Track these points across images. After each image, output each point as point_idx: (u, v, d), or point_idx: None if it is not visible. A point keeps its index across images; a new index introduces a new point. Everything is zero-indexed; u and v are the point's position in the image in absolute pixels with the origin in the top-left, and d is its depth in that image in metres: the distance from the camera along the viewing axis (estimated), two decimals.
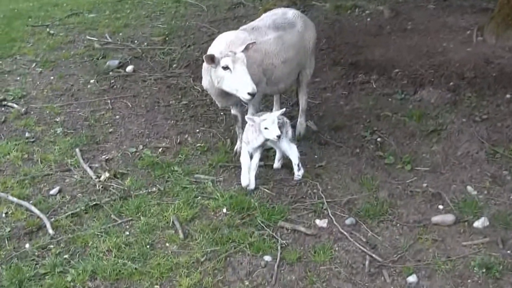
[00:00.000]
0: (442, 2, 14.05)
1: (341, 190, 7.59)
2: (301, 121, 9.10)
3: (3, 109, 10.36)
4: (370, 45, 11.94)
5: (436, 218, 6.98)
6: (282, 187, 7.66)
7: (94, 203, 7.55)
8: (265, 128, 7.23)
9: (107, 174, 8.08)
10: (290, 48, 8.23)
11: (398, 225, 6.98)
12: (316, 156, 8.36)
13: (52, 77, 11.51)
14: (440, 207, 7.27)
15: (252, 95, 7.16)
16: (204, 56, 7.31)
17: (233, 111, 8.32)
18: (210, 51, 7.66)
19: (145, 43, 12.94)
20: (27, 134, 9.42)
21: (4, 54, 12.75)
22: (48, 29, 14.24)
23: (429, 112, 9.21)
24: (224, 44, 7.69)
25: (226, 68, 7.20)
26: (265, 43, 7.97)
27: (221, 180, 7.91)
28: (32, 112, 10.13)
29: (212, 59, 7.25)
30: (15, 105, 10.32)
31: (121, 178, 8.09)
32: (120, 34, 13.66)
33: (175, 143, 8.89)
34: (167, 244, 6.80)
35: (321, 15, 13.81)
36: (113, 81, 11.20)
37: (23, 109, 10.14)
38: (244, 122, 7.82)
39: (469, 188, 7.49)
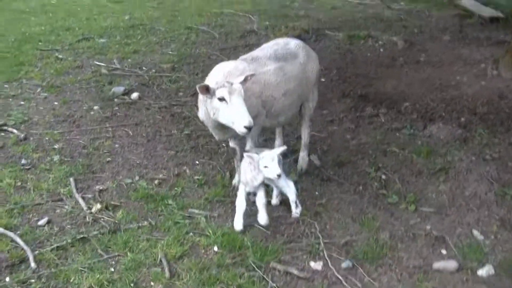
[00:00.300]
0: (458, 33, 13.72)
1: (340, 230, 7.21)
2: (303, 155, 8.76)
3: (2, 134, 10.05)
4: (381, 76, 11.61)
5: (437, 264, 6.59)
6: (278, 225, 7.29)
7: (82, 236, 7.19)
8: (265, 167, 6.89)
9: (98, 206, 7.76)
10: (291, 80, 7.87)
11: (397, 270, 6.59)
12: (317, 193, 8.00)
13: (56, 103, 11.18)
14: (443, 251, 6.88)
15: (248, 128, 6.79)
16: (198, 86, 6.96)
17: (231, 144, 8.00)
18: (207, 81, 7.36)
19: (153, 70, 12.64)
20: (23, 161, 9.09)
21: (11, 78, 12.46)
22: (57, 54, 13.86)
23: (437, 149, 8.83)
24: (222, 74, 7.37)
25: (222, 99, 6.87)
26: (265, 74, 7.62)
27: (215, 215, 7.58)
28: (31, 138, 9.80)
29: (207, 89, 6.92)
30: (15, 131, 10.00)
31: (113, 210, 7.75)
32: (129, 60, 13.36)
33: (172, 174, 8.54)
34: (152, 283, 6.46)
35: (333, 45, 13.51)
36: (116, 108, 10.85)
37: (22, 135, 9.83)
38: (242, 157, 7.44)
39: (475, 232, 7.10)
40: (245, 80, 7.01)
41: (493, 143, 8.95)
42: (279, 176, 6.87)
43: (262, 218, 7.15)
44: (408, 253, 6.87)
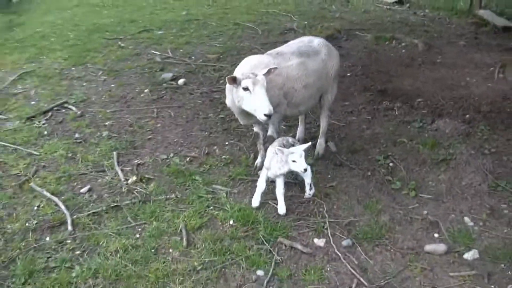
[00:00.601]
0: (473, 39, 13.15)
1: (345, 211, 6.88)
2: (320, 142, 8.41)
3: (63, 110, 9.99)
4: (400, 74, 11.15)
5: (428, 247, 6.21)
6: (291, 204, 6.98)
7: (115, 204, 7.08)
8: (293, 161, 6.54)
9: (134, 178, 7.58)
10: (312, 74, 7.55)
11: (392, 250, 6.24)
12: (329, 176, 7.66)
13: (112, 85, 11.02)
14: (436, 235, 6.50)
15: (268, 116, 6.57)
16: (227, 77, 6.71)
17: (255, 129, 7.72)
18: (235, 72, 7.08)
19: (200, 60, 12.36)
20: (76, 135, 9.00)
21: (78, 62, 12.38)
22: (119, 42, 13.70)
23: (442, 141, 8.38)
24: (248, 67, 7.10)
25: (246, 89, 6.63)
26: (288, 68, 7.33)
27: (235, 192, 7.30)
28: (86, 115, 9.69)
29: (234, 80, 6.69)
30: (73, 108, 9.91)
31: (146, 182, 7.57)
32: (181, 50, 13.11)
33: (203, 153, 8.30)
34: (170, 250, 6.24)
35: (361, 45, 13.04)
36: (164, 92, 10.63)
37: (79, 112, 9.68)
38: (265, 140, 7.40)
39: (466, 218, 6.71)
40: (268, 72, 6.76)
41: (492, 139, 8.47)
42: (305, 170, 6.53)
43: (281, 208, 6.86)
44: (404, 235, 6.51)
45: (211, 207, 6.93)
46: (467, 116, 9.16)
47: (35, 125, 9.34)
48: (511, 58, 10.83)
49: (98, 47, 13.51)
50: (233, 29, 14.85)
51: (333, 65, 7.96)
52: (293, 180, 7.38)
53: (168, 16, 16.26)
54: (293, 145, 6.73)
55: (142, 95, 10.57)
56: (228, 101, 7.34)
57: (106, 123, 9.38)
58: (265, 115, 6.58)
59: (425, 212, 6.84)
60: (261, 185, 6.87)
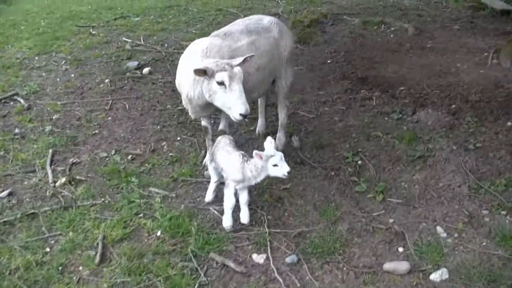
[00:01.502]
0: (468, 23, 11.87)
1: (298, 219, 5.76)
2: (279, 136, 7.33)
3: (12, 103, 9.01)
4: (385, 61, 9.95)
5: (388, 266, 5.10)
6: (235, 210, 5.64)
7: (32, 211, 6.02)
8: (274, 165, 5.32)
9: (63, 180, 6.56)
10: (265, 55, 6.52)
11: (344, 268, 5.13)
12: None
13: (72, 75, 9.99)
14: (400, 249, 5.39)
15: (244, 116, 5.55)
16: (194, 69, 5.55)
17: (203, 122, 6.66)
18: (185, 59, 6.18)
19: (173, 47, 11.28)
20: (16, 130, 8.02)
21: (43, 51, 11.37)
22: (91, 30, 12.53)
23: (421, 135, 7.22)
24: (200, 51, 6.00)
25: (221, 83, 5.53)
26: (238, 49, 6.28)
27: (173, 196, 6.25)
28: (34, 108, 8.70)
29: (204, 72, 5.53)
30: (21, 100, 8.78)
31: (76, 185, 6.56)
32: (155, 37, 12.01)
33: (149, 150, 7.22)
34: (80, 268, 5.22)
35: (347, 30, 11.87)
36: (126, 81, 9.61)
37: (27, 105, 8.61)
38: (214, 134, 6.34)
39: (438, 228, 5.55)
40: (245, 61, 5.67)
41: (479, 132, 7.33)
42: (289, 173, 5.31)
43: (245, 216, 5.74)
44: (362, 249, 5.40)
45: (141, 215, 5.86)
46: (453, 106, 7.99)
47: None
48: (507, 42, 9.37)
49: (68, 35, 12.42)
50: (214, 15, 13.69)
51: (286, 45, 6.87)
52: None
53: (149, 2, 15.17)
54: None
55: (101, 85, 9.49)
56: (185, 96, 6.23)
57: (53, 117, 8.35)
58: (241, 114, 5.53)
59: (391, 220, 5.71)
60: (229, 201, 5.64)
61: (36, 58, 11.10)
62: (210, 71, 5.49)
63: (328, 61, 10.25)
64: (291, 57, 7.04)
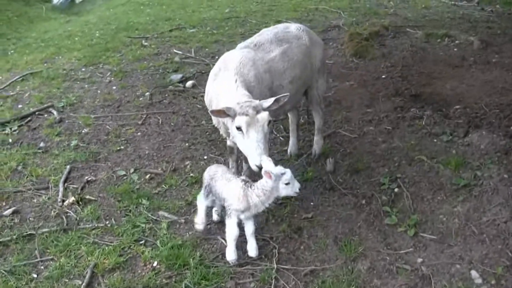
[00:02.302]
0: None
1: (313, 254, 5.14)
2: (317, 139, 6.94)
3: (45, 115, 8.63)
4: (444, 77, 9.14)
5: None
6: (244, 240, 5.03)
7: (29, 232, 5.56)
8: (286, 184, 4.76)
9: (71, 200, 6.06)
10: (297, 65, 6.03)
11: None
12: (311, 204, 5.91)
13: (114, 87, 9.64)
14: None
15: (261, 168, 4.87)
16: (211, 111, 5.11)
17: (229, 142, 6.03)
18: (219, 76, 5.63)
19: None
20: (41, 144, 7.74)
21: (91, 62, 11.07)
22: (143, 41, 12.14)
23: (471, 160, 6.42)
24: (234, 67, 5.49)
25: (239, 128, 4.96)
26: (272, 61, 5.80)
27: (182, 222, 5.77)
28: (66, 122, 8.36)
29: (224, 112, 4.99)
30: (55, 113, 8.36)
31: (84, 205, 6.12)
32: (206, 49, 11.56)
33: (170, 169, 6.66)
34: None
35: (408, 42, 11.06)
36: (166, 95, 9.18)
37: (58, 118, 8.21)
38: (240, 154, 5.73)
39: (473, 273, 4.80)
40: (276, 102, 5.08)
41: None
42: (300, 190, 4.88)
43: (253, 249, 5.19)
44: None
45: (142, 241, 5.37)
46: None
47: (5, 131, 7.84)
48: None
49: (119, 46, 12.11)
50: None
51: (316, 53, 6.42)
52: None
53: (209, 14, 14.71)
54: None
55: (140, 98, 9.07)
56: (214, 120, 5.88)
57: (82, 131, 8.00)
58: (257, 166, 4.93)
59: (419, 260, 4.99)
60: (233, 232, 5.08)
61: (83, 69, 10.83)
62: (232, 112, 4.90)
63: (383, 76, 9.50)
64: (322, 66, 6.53)
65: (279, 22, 12.65)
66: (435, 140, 7.11)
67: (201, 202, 5.29)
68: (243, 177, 5.03)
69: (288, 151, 6.96)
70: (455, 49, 10.54)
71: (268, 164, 4.72)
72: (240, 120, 4.86)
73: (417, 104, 8.16)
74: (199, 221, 5.35)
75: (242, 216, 4.97)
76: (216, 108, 5.05)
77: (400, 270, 4.90)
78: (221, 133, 5.95)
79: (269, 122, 4.95)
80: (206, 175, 5.21)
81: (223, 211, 5.22)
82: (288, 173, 4.76)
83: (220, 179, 4.99)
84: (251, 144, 4.92)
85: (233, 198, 4.88)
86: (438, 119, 7.59)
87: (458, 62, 9.86)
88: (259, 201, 4.89)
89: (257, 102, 4.94)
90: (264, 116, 4.89)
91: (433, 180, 6.22)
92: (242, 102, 4.94)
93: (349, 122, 7.79)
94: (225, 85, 5.32)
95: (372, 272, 4.88)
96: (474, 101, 8.05)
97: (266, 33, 6.18)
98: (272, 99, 5.00)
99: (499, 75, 8.97)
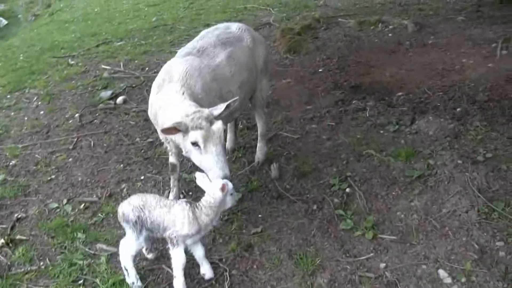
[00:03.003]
0: (474, 13, 10.64)
1: (268, 272, 4.72)
2: (260, 146, 6.52)
3: None
4: (382, 64, 8.82)
5: None
6: (192, 266, 4.55)
7: None
8: (231, 194, 4.47)
9: (0, 242, 5.36)
10: (243, 68, 5.65)
11: None
12: (259, 216, 5.40)
13: (41, 112, 9.00)
14: None
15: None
16: (162, 129, 4.68)
17: (172, 159, 5.65)
18: (164, 88, 5.12)
19: (154, 70, 10.15)
20: None
21: (16, 88, 10.42)
22: (69, 60, 11.52)
23: (422, 149, 6.09)
24: (179, 78, 5.04)
25: (195, 144, 4.55)
26: (218, 67, 5.39)
27: None
28: None
29: (175, 129, 4.57)
30: None
31: (14, 246, 5.51)
32: (136, 61, 10.99)
33: (105, 195, 6.06)
34: None
35: (342, 33, 10.77)
36: (97, 114, 8.59)
37: None
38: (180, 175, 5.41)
39: (441, 272, 4.42)
40: (227, 108, 4.70)
41: (489, 138, 6.20)
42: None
43: (209, 270, 4.75)
44: None
45: (80, 281, 4.73)
46: (458, 109, 6.88)
47: None
48: None
49: (45, 68, 11.44)
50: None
51: (259, 54, 6.02)
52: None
53: (135, 25, 14.13)
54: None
55: (70, 121, 8.51)
56: (161, 135, 5.42)
57: (10, 163, 7.41)
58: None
59: (382, 265, 4.62)
60: (182, 262, 4.56)
61: (8, 96, 10.16)
62: (183, 127, 4.49)
63: (320, 70, 9.15)
64: (266, 67, 6.14)
65: (208, 25, 12.16)
66: (381, 132, 6.79)
67: (131, 251, 4.59)
68: (184, 199, 4.50)
69: (227, 146, 6.62)
70: (390, 35, 10.30)
71: (202, 180, 4.28)
72: (196, 135, 4.48)
73: (358, 95, 7.84)
74: (135, 280, 4.68)
75: (189, 242, 4.44)
76: (166, 126, 4.55)
77: (363, 279, 4.49)
78: (168, 149, 5.52)
79: (224, 131, 4.52)
80: (130, 211, 4.49)
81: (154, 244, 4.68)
82: (230, 183, 4.43)
83: (157, 208, 4.44)
84: (210, 159, 4.55)
85: (180, 224, 4.36)
86: (382, 109, 7.29)
87: (394, 47, 9.61)
88: (209, 219, 4.47)
89: (206, 111, 4.55)
90: (219, 126, 4.52)
91: (385, 174, 5.88)
92: (191, 113, 4.53)
93: (290, 122, 7.41)
94: (170, 97, 4.88)
95: (333, 285, 4.50)
96: (416, 86, 7.78)
97: (208, 36, 5.76)
98: (223, 105, 4.62)
99: (437, 57, 8.73)
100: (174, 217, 4.43)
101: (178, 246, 4.47)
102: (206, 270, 4.70)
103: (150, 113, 5.36)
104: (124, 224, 4.47)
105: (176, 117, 4.59)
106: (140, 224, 4.42)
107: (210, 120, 4.53)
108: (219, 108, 4.59)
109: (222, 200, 4.43)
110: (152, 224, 4.43)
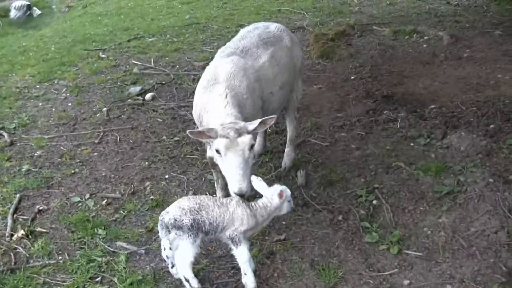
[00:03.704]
0: (511, 28, 10.25)
1: (288, 282, 4.63)
2: (288, 151, 6.44)
3: None
4: (416, 75, 8.71)
5: None
6: (213, 271, 4.48)
7: None
8: (288, 201, 4.53)
9: (20, 233, 5.46)
10: (284, 69, 5.62)
11: None
12: (283, 223, 5.31)
13: (69, 104, 8.99)
14: None
15: (240, 195, 4.42)
16: (189, 132, 4.62)
17: (209, 153, 5.29)
18: (208, 89, 5.14)
19: (184, 68, 10.20)
20: None
21: (46, 79, 10.38)
22: (100, 53, 11.47)
23: (452, 164, 5.97)
24: (224, 79, 5.05)
25: (218, 151, 4.51)
26: (262, 68, 5.38)
27: (142, 253, 4.99)
28: (18, 144, 7.66)
29: (205, 134, 4.58)
30: (5, 136, 7.66)
31: (34, 239, 5.45)
32: (166, 58, 10.92)
33: (128, 192, 5.98)
34: None
35: (375, 41, 10.61)
36: (124, 109, 8.56)
37: (9, 141, 7.50)
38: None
39: None
40: (262, 125, 4.64)
41: None
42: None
43: (251, 281, 4.57)
44: None
45: (98, 278, 4.76)
46: (492, 126, 6.73)
47: None
48: None
49: (75, 60, 11.42)
50: (234, 32, 12.44)
51: (297, 54, 6.03)
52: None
53: (168, 22, 14.07)
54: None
55: (97, 115, 8.47)
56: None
57: (34, 154, 7.36)
58: (234, 193, 4.47)
59: (406, 282, 4.50)
60: (248, 257, 4.57)
61: (37, 86, 10.14)
62: (214, 134, 4.48)
63: (352, 78, 9.03)
64: (302, 67, 6.17)
65: (241, 26, 12.13)
66: (411, 144, 6.65)
67: (189, 258, 4.41)
68: (236, 198, 4.45)
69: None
70: (425, 45, 10.13)
71: (259, 184, 4.37)
72: (219, 143, 4.44)
73: (390, 105, 7.69)
74: (196, 286, 4.50)
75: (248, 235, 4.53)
76: (197, 130, 4.56)
77: None
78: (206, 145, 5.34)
79: (252, 146, 4.47)
80: (183, 215, 4.36)
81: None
82: (286, 188, 4.51)
83: (215, 208, 4.37)
84: (230, 170, 4.49)
85: (239, 220, 4.39)
86: (413, 121, 7.14)
87: (428, 58, 9.45)
88: (261, 220, 4.52)
89: (242, 124, 4.49)
90: (245, 140, 4.44)
91: (413, 188, 5.74)
92: (226, 124, 4.49)
93: (319, 129, 7.29)
94: (214, 101, 4.86)
95: None
96: (449, 100, 7.61)
97: (249, 36, 5.70)
98: (258, 121, 4.53)
99: (472, 71, 8.56)
100: (233, 214, 4.37)
101: (241, 244, 4.43)
102: (248, 280, 4.56)
103: (194, 113, 5.33)
104: (174, 232, 4.31)
105: (213, 123, 4.56)
106: (196, 227, 4.29)
107: (241, 133, 4.46)
108: (255, 123, 4.52)
109: (278, 206, 4.47)
110: (211, 226, 4.35)
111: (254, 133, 4.54)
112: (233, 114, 4.70)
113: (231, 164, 4.49)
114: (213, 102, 4.82)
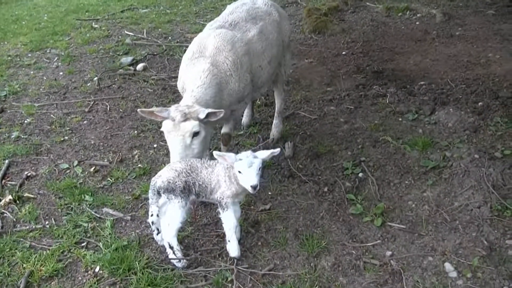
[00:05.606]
0: (505, 7, 10.37)
1: (272, 251, 4.61)
2: (276, 123, 6.49)
3: None
4: (407, 51, 8.67)
5: None
6: (198, 237, 4.53)
7: None
8: (239, 172, 4.17)
9: (8, 199, 5.40)
10: (273, 43, 5.62)
11: None
12: (269, 193, 5.31)
13: (61, 73, 8.97)
14: None
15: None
16: (140, 110, 4.63)
17: (225, 129, 5.55)
18: (190, 58, 5.19)
19: (177, 40, 10.12)
20: None
21: (38, 47, 10.38)
22: (93, 23, 11.43)
23: (439, 140, 5.95)
24: (209, 52, 5.05)
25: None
26: (251, 41, 5.34)
27: (128, 219, 5.07)
28: (8, 111, 7.65)
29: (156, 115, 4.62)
30: None
31: (22, 204, 5.45)
32: (159, 30, 10.93)
33: (116, 160, 5.98)
34: None
35: (368, 17, 10.58)
36: (116, 79, 8.52)
37: (0, 107, 7.36)
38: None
39: (447, 265, 4.33)
40: (213, 114, 4.55)
41: (509, 135, 6.09)
42: (254, 188, 4.12)
43: (234, 248, 4.57)
44: None
45: (83, 243, 4.79)
46: (480, 103, 6.71)
47: None
48: None
49: (68, 29, 11.41)
50: (228, 4, 12.32)
51: (286, 28, 6.04)
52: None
53: None
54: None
55: (88, 84, 8.46)
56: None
57: (24, 121, 7.37)
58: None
59: (388, 253, 4.51)
60: (233, 223, 4.53)
61: (29, 55, 10.14)
62: (166, 114, 4.56)
63: (343, 53, 9.02)
64: (289, 41, 6.16)
65: None
66: (400, 119, 6.67)
67: (177, 223, 4.39)
68: (221, 153, 4.42)
69: (242, 121, 6.71)
70: (417, 23, 10.12)
71: (219, 155, 4.19)
72: (164, 124, 4.52)
73: (380, 81, 7.70)
74: (181, 257, 4.54)
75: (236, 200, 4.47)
76: (146, 109, 4.57)
77: (368, 265, 4.41)
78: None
79: (195, 134, 4.45)
80: (176, 176, 4.33)
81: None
82: (244, 160, 4.16)
83: (203, 169, 4.38)
84: (170, 151, 4.58)
85: (224, 183, 4.34)
86: (403, 97, 7.15)
87: (420, 36, 9.43)
88: (225, 185, 4.39)
89: (195, 109, 4.48)
90: (187, 125, 4.44)
91: (400, 162, 5.77)
92: (182, 106, 4.53)
93: (308, 102, 7.30)
94: (193, 77, 4.85)
95: (337, 269, 4.40)
96: (439, 77, 7.64)
97: (237, 11, 5.69)
98: (207, 110, 4.47)
99: (463, 49, 8.56)
100: (218, 176, 4.34)
101: (227, 209, 4.41)
102: (231, 247, 4.57)
103: (179, 84, 5.33)
104: (166, 196, 4.32)
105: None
106: (187, 189, 4.32)
107: (187, 118, 4.44)
108: (205, 111, 4.45)
109: (228, 173, 4.35)
110: (200, 187, 4.34)
111: (205, 121, 4.47)
112: (200, 98, 4.68)
113: (170, 147, 4.57)
114: (191, 79, 4.80)
